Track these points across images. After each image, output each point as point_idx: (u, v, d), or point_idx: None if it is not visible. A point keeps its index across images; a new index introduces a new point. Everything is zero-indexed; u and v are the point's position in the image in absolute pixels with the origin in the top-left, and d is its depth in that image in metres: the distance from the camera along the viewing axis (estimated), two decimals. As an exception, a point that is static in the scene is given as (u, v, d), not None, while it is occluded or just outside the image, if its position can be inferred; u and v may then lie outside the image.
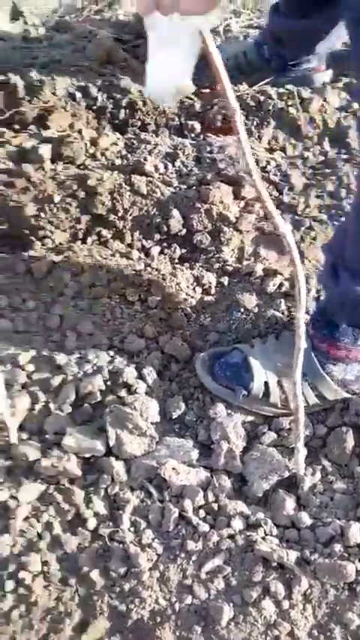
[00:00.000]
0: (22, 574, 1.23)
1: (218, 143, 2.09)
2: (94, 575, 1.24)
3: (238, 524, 1.30)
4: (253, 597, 1.21)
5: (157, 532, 1.30)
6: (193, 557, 1.26)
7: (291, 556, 1.25)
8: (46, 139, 2.07)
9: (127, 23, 2.71)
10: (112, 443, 1.40)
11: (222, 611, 1.17)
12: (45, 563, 1.25)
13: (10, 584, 1.22)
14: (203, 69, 0.98)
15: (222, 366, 1.51)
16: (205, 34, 0.95)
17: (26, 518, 1.31)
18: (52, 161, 2.00)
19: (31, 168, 1.94)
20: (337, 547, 1.26)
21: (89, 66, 2.38)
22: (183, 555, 1.26)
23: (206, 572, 1.24)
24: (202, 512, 1.33)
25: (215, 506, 1.33)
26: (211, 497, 1.34)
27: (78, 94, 2.27)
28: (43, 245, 1.86)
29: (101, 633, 1.18)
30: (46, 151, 1.98)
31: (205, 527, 1.29)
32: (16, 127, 2.22)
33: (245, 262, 1.85)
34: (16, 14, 2.85)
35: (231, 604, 1.19)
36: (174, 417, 1.50)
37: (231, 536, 1.29)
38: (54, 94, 2.24)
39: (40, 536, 1.29)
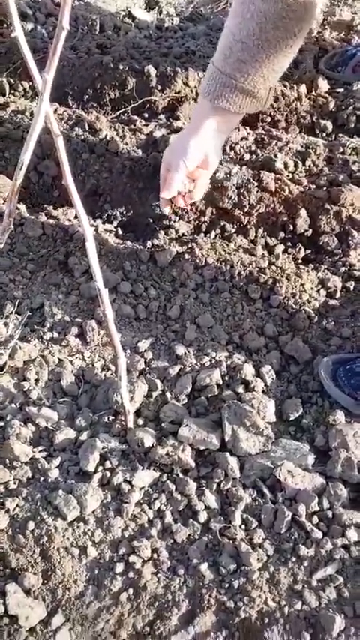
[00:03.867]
0: (132, 558, 1.24)
1: (352, 144, 2.04)
2: (204, 568, 1.23)
3: (353, 534, 1.27)
4: (366, 611, 1.18)
5: (268, 533, 1.29)
6: (305, 563, 1.24)
7: None
8: (176, 129, 2.08)
9: (263, 18, 2.68)
10: (227, 438, 1.39)
11: (333, 621, 1.14)
12: (155, 550, 1.26)
13: (120, 567, 1.23)
14: None
15: (346, 373, 1.48)
16: None
17: (138, 504, 1.32)
18: (182, 152, 2.00)
19: (160, 158, 1.95)
20: None
21: (223, 59, 2.37)
22: (294, 559, 1.24)
23: (318, 579, 1.22)
24: (315, 519, 1.30)
25: (330, 513, 1.30)
26: (326, 505, 1.32)
27: (210, 87, 2.26)
28: (166, 235, 1.88)
29: (207, 627, 1.17)
30: (176, 142, 1.99)
31: (318, 534, 1.27)
32: (146, 115, 2.25)
33: (374, 268, 1.81)
34: (151, 4, 2.88)
35: (342, 615, 1.17)
36: (291, 419, 1.48)
37: (345, 547, 1.26)
38: (186, 84, 2.24)
39: (151, 522, 1.30)
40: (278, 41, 1.34)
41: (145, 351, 1.59)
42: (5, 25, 2.51)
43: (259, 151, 2.03)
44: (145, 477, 1.35)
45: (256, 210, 1.88)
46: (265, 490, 1.35)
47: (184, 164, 1.52)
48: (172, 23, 2.74)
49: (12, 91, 2.27)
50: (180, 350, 1.58)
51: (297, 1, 1.28)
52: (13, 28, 0.98)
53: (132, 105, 2.22)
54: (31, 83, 2.27)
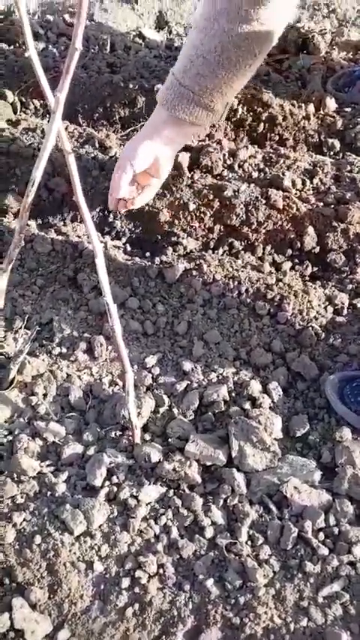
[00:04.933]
0: (138, 573, 1.24)
1: (359, 163, 2.06)
2: (209, 583, 1.23)
3: (359, 551, 1.27)
4: (371, 628, 1.18)
5: (274, 549, 1.29)
6: (311, 580, 1.24)
7: None
8: (186, 147, 2.10)
9: (272, 38, 2.71)
10: (234, 454, 1.40)
11: (339, 638, 1.14)
12: (161, 565, 1.26)
13: (126, 582, 1.23)
14: None
15: (353, 391, 1.49)
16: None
17: (145, 519, 1.33)
18: (190, 169, 2.03)
19: (169, 175, 1.97)
20: None
21: (232, 78, 2.40)
22: (300, 576, 1.24)
23: (324, 596, 1.21)
24: (321, 535, 1.30)
25: (336, 530, 1.30)
26: (332, 521, 1.32)
27: (219, 106, 2.29)
28: (174, 251, 1.89)
29: (213, 643, 1.18)
30: (184, 159, 2.01)
31: (324, 551, 1.27)
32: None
33: (381, 286, 1.82)
34: (161, 24, 2.92)
35: (348, 632, 1.16)
36: (297, 436, 1.49)
37: (351, 563, 1.25)
38: (195, 104, 2.26)
39: (157, 537, 1.30)
40: (239, 60, 1.37)
41: (152, 366, 1.60)
42: (17, 44, 2.55)
43: (267, 169, 2.05)
44: (151, 492, 1.35)
45: (264, 228, 1.89)
46: (272, 506, 1.35)
47: (132, 166, 1.52)
48: (182, 43, 2.78)
49: (23, 109, 2.30)
50: (187, 366, 1.59)
51: (260, 25, 1.31)
52: (26, 47, 1.01)
53: (141, 123, 2.25)
54: (42, 101, 2.30)
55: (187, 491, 1.37)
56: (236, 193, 1.90)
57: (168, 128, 1.50)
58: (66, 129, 2.15)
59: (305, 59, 2.61)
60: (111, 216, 1.94)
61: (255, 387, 1.53)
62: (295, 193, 1.97)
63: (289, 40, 2.69)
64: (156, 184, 1.65)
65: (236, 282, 1.76)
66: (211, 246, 1.94)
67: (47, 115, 2.29)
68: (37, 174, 1.19)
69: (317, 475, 1.39)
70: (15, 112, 2.27)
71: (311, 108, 2.29)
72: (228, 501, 1.35)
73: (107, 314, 1.25)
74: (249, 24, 1.32)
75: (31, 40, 1.01)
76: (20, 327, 1.59)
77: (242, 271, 1.80)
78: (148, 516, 1.33)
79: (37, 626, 1.16)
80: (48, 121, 2.24)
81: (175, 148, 1.59)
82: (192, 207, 1.91)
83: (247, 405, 1.50)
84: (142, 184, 1.61)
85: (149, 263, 1.83)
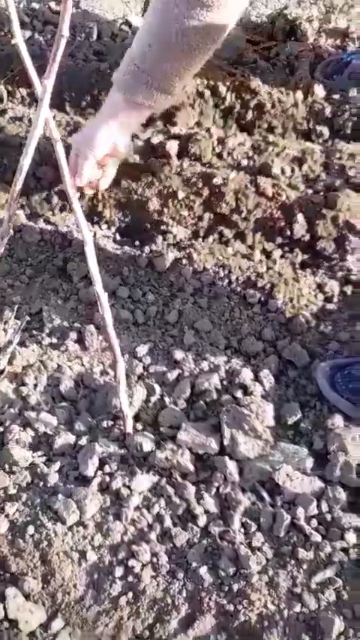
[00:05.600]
0: (131, 562, 1.24)
1: (348, 150, 2.05)
2: (203, 571, 1.24)
3: (352, 537, 1.27)
4: (364, 613, 1.18)
5: (267, 536, 1.29)
6: (304, 566, 1.24)
7: None
8: (174, 135, 2.09)
9: (259, 25, 2.70)
10: (226, 442, 1.40)
11: (332, 623, 1.15)
12: (154, 554, 1.26)
13: (119, 571, 1.23)
14: None
15: (344, 378, 1.49)
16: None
17: (137, 508, 1.33)
18: (179, 157, 2.01)
19: (158, 164, 1.96)
20: None
21: (219, 65, 2.39)
22: (293, 562, 1.25)
23: (317, 582, 1.22)
24: (314, 522, 1.30)
25: (329, 517, 1.31)
26: (324, 508, 1.32)
27: (207, 93, 2.28)
28: (164, 240, 1.88)
29: (207, 630, 1.18)
30: (173, 147, 2.00)
31: (317, 538, 1.27)
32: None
33: (371, 272, 1.82)
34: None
35: (341, 617, 1.17)
36: (289, 423, 1.49)
37: (344, 550, 1.26)
38: (183, 90, 2.25)
39: (150, 526, 1.30)
40: (198, 45, 1.38)
41: (143, 355, 1.59)
42: (3, 33, 2.52)
43: (255, 157, 2.04)
44: (144, 481, 1.35)
45: (254, 216, 1.88)
46: (264, 494, 1.35)
47: (93, 154, 1.55)
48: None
49: (10, 98, 2.28)
50: (178, 355, 1.59)
51: (219, 10, 1.32)
52: (12, 35, 0.99)
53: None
54: (28, 90, 2.27)
55: (180, 479, 1.37)
56: (225, 181, 1.89)
57: (125, 112, 1.53)
58: (53, 117, 2.12)
59: (293, 46, 2.59)
60: (100, 205, 1.93)
61: (246, 375, 1.53)
62: (285, 181, 1.96)
63: (276, 28, 2.67)
64: (115, 163, 1.72)
65: (226, 271, 1.75)
66: (201, 235, 1.93)
67: (34, 104, 2.27)
68: (25, 162, 1.19)
69: (309, 462, 1.40)
70: (1, 101, 2.25)
71: (299, 95, 2.28)
72: (220, 489, 1.36)
73: (98, 303, 1.25)
74: (209, 9, 1.32)
75: (19, 28, 1.00)
76: (10, 318, 1.58)
77: (232, 259, 1.80)
78: (140, 505, 1.33)
79: (31, 616, 1.16)
80: (35, 110, 2.22)
81: (132, 130, 1.66)
82: (181, 195, 1.90)
83: (239, 394, 1.50)
84: (102, 164, 1.67)
85: (139, 252, 1.83)
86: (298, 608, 1.19)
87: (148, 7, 1.44)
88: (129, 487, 1.34)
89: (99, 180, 1.71)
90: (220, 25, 1.37)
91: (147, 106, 1.51)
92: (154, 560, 1.25)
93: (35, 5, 2.67)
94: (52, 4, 2.66)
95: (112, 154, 1.62)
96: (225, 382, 1.54)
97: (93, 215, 1.92)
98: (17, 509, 1.29)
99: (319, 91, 2.31)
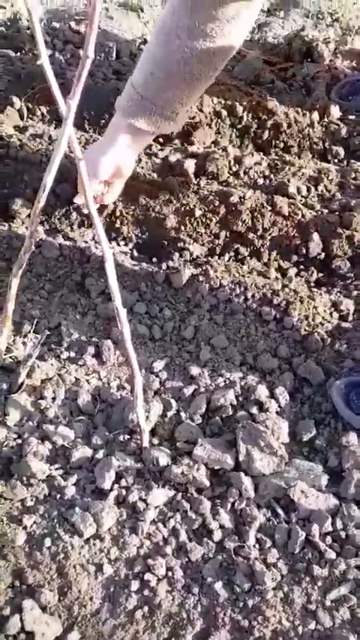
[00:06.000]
0: (147, 576, 1.25)
1: (364, 170, 2.08)
2: (218, 586, 1.24)
3: (366, 555, 1.28)
4: (378, 632, 1.19)
5: (282, 552, 1.30)
6: (319, 583, 1.25)
7: None
8: (191, 153, 2.12)
9: (276, 46, 2.74)
10: (242, 458, 1.41)
11: (347, 641, 1.16)
12: (170, 568, 1.27)
13: (135, 584, 1.24)
14: None
15: (359, 396, 1.50)
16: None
17: (153, 522, 1.34)
18: (196, 176, 2.04)
19: (175, 182, 1.98)
20: None
21: (237, 85, 2.43)
22: (308, 579, 1.25)
23: (331, 599, 1.23)
24: (329, 539, 1.31)
25: (343, 534, 1.31)
26: (339, 525, 1.33)
27: (224, 112, 2.31)
28: (181, 257, 1.91)
29: (222, 646, 1.18)
30: (190, 165, 2.03)
31: (331, 555, 1.28)
32: (161, 140, 2.29)
33: (386, 292, 1.83)
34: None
35: (356, 635, 1.17)
36: (304, 440, 1.50)
37: (359, 567, 1.27)
38: (200, 110, 2.29)
39: (166, 541, 1.31)
40: (201, 73, 1.42)
41: (160, 370, 1.61)
42: (24, 51, 2.56)
43: (272, 176, 2.06)
44: (160, 495, 1.36)
45: (270, 234, 1.91)
46: (279, 510, 1.36)
47: (96, 177, 1.61)
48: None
49: (30, 116, 2.32)
50: (194, 370, 1.60)
51: (222, 39, 1.34)
52: (39, 54, 1.02)
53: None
54: (48, 108, 2.31)
55: (196, 494, 1.38)
56: (242, 200, 1.92)
57: (130, 137, 1.57)
58: (73, 135, 2.16)
59: (309, 67, 2.63)
60: (117, 222, 1.95)
61: (262, 391, 1.55)
62: (300, 200, 1.98)
63: (293, 49, 2.71)
64: (121, 182, 1.75)
65: (242, 288, 1.77)
66: (217, 252, 1.95)
67: (54, 122, 2.30)
68: (49, 180, 1.21)
69: (324, 479, 1.40)
70: (22, 119, 2.29)
71: (315, 115, 2.31)
72: (236, 505, 1.37)
73: (116, 319, 1.27)
74: (211, 40, 1.35)
75: (44, 49, 1.03)
76: (29, 332, 1.60)
77: (248, 277, 1.82)
78: (156, 519, 1.34)
79: (47, 628, 1.17)
80: (55, 128, 2.26)
81: (135, 153, 1.67)
82: (198, 213, 1.93)
83: (254, 410, 1.51)
84: (108, 182, 1.72)
85: (156, 268, 1.85)
86: (312, 625, 1.19)
87: (150, 36, 1.47)
88: (145, 501, 1.35)
89: (104, 196, 1.76)
90: (221, 53, 1.41)
91: (150, 133, 1.56)
92: (170, 574, 1.26)
93: (56, 24, 2.71)
94: (73, 24, 2.71)
95: (117, 174, 1.67)
96: (240, 398, 1.55)
97: (111, 231, 1.95)
98: (34, 522, 1.30)
99: (335, 111, 2.34)
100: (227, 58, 1.45)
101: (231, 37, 1.38)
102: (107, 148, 1.59)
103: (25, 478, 1.36)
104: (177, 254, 1.91)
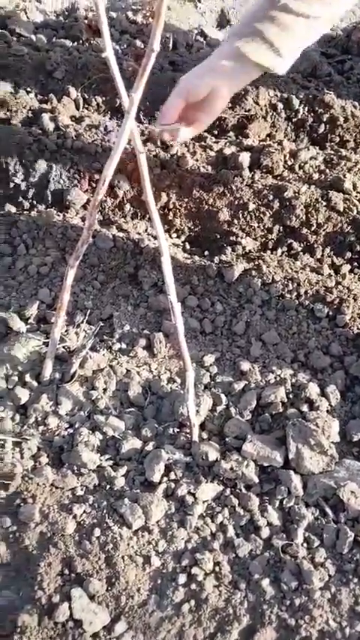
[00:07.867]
0: (194, 570, 1.25)
1: None
2: (265, 583, 1.24)
3: None
4: None
5: (330, 552, 1.29)
6: (367, 585, 1.24)
7: None
8: (246, 147, 2.10)
9: (334, 38, 2.70)
10: (291, 456, 1.40)
11: (395, 645, 1.15)
12: (217, 563, 1.27)
13: (182, 578, 1.24)
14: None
15: None
16: None
17: (201, 517, 1.34)
18: (250, 169, 2.03)
19: (229, 175, 1.97)
20: None
21: (293, 78, 2.40)
22: (356, 580, 1.24)
23: (380, 603, 1.22)
24: (378, 541, 1.30)
25: (393, 537, 1.30)
26: (389, 528, 1.31)
27: (280, 105, 2.29)
28: (233, 251, 1.90)
29: (267, 643, 1.18)
30: (245, 158, 2.01)
31: (381, 557, 1.27)
32: (216, 132, 2.28)
33: None
34: (223, 22, 2.92)
35: None
36: (354, 440, 1.48)
37: None
38: (256, 102, 2.27)
39: (214, 535, 1.31)
40: (319, 15, 1.36)
41: (210, 365, 1.61)
42: (81, 41, 2.58)
43: (327, 171, 2.04)
44: (208, 490, 1.36)
45: (324, 230, 1.89)
46: (328, 510, 1.35)
47: (187, 89, 1.44)
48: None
49: (86, 106, 2.33)
50: (245, 366, 1.60)
51: None
52: (104, 47, 1.02)
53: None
54: (104, 98, 2.32)
55: (244, 490, 1.38)
56: (297, 194, 1.90)
57: (232, 64, 1.43)
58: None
59: (368, 60, 2.59)
60: (170, 214, 1.96)
61: (313, 389, 1.54)
62: (356, 196, 1.96)
63: (351, 41, 2.67)
64: (204, 122, 1.54)
65: (295, 284, 1.75)
66: (270, 247, 1.94)
67: (109, 112, 2.31)
68: (109, 172, 1.21)
69: (374, 481, 1.39)
70: (78, 109, 2.30)
71: (373, 109, 2.28)
72: (284, 502, 1.36)
73: (170, 311, 1.27)
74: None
75: (110, 41, 1.03)
76: (82, 322, 1.62)
77: (301, 273, 1.80)
78: (204, 514, 1.35)
79: (95, 617, 1.18)
80: (110, 118, 2.26)
81: (232, 86, 1.49)
82: (251, 207, 1.92)
83: (305, 408, 1.50)
84: (190, 120, 1.52)
85: (208, 262, 1.84)
86: (359, 627, 1.19)
87: None
88: (194, 495, 1.35)
89: (179, 131, 1.50)
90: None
91: (252, 63, 1.41)
92: (217, 569, 1.27)
93: (113, 14, 2.72)
94: (130, 14, 2.71)
95: (206, 105, 1.47)
96: (291, 395, 1.54)
97: (164, 223, 1.95)
98: (84, 511, 1.32)
99: (394, 105, 2.30)
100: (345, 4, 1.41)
101: None
102: (206, 69, 1.45)
103: (75, 467, 1.38)
104: (229, 248, 1.90)
